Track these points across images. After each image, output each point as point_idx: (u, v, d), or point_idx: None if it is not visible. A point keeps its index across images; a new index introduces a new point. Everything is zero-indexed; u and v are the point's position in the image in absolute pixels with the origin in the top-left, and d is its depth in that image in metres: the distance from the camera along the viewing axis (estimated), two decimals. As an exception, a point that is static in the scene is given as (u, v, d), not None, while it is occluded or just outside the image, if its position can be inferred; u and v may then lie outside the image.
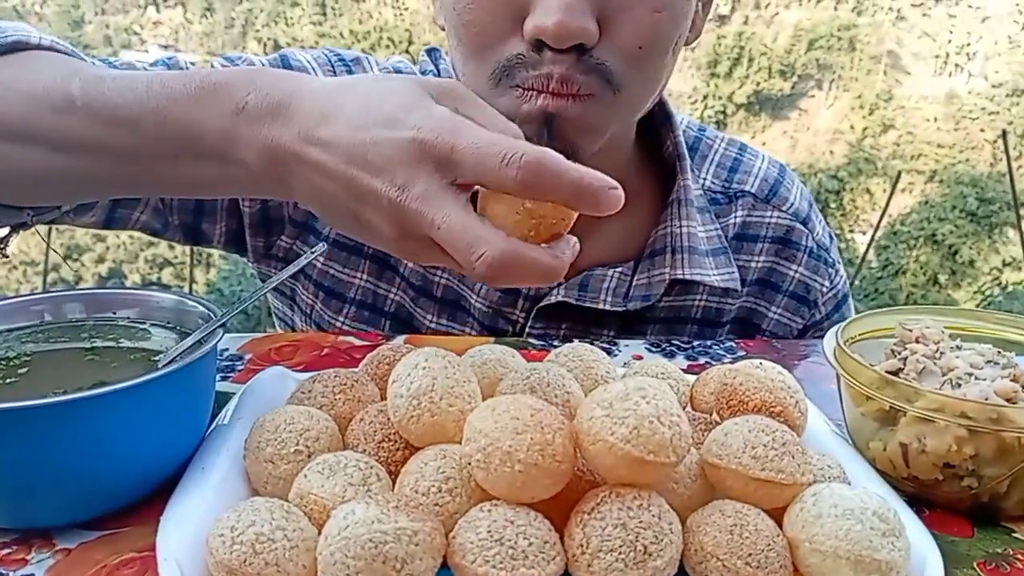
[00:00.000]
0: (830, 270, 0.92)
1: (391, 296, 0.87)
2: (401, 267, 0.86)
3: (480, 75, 0.70)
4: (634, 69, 0.70)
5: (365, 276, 0.86)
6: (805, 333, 0.93)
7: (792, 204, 0.90)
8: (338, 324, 0.88)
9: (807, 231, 0.90)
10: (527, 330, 0.85)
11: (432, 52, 0.91)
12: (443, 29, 0.77)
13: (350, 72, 0.84)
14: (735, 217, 0.89)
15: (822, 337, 0.92)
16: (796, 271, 0.90)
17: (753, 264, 0.89)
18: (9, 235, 0.67)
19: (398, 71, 0.85)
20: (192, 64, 0.81)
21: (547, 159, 0.44)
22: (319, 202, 0.51)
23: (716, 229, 0.87)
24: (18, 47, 0.62)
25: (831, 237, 0.94)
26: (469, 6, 0.68)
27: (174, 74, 0.55)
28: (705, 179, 0.89)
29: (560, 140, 0.69)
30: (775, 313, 0.91)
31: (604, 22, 0.66)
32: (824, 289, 0.92)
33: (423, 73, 0.87)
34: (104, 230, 0.82)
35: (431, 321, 0.86)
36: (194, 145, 0.53)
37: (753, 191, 0.90)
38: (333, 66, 0.84)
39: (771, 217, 0.90)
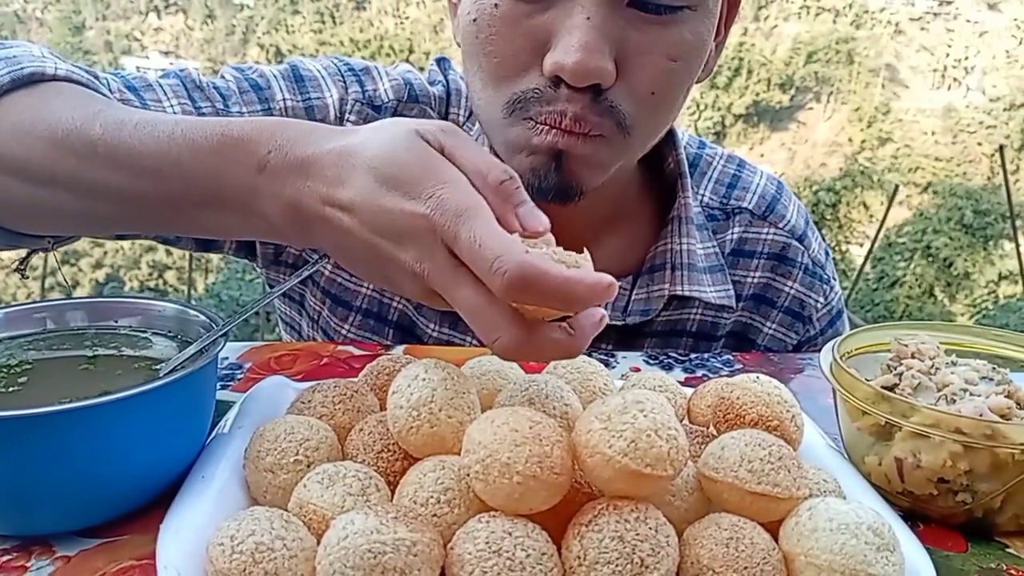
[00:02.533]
0: (825, 286, 0.93)
1: (394, 305, 0.87)
2: None
3: (496, 103, 0.71)
4: (645, 113, 0.70)
5: (371, 285, 0.87)
6: (800, 348, 0.93)
7: (788, 221, 0.91)
8: (344, 331, 0.88)
9: (803, 248, 0.91)
10: None
11: (441, 62, 0.91)
12: (460, 46, 0.77)
13: (359, 80, 0.85)
14: (732, 233, 0.90)
15: (818, 351, 0.93)
16: (791, 287, 0.91)
17: (749, 280, 0.90)
18: (28, 256, 0.69)
19: (408, 83, 0.86)
20: (199, 72, 0.82)
21: (530, 274, 0.42)
22: (344, 257, 0.52)
23: (714, 246, 0.88)
24: (35, 79, 0.63)
25: (827, 253, 0.95)
26: (491, 36, 0.69)
27: (194, 122, 0.55)
28: (704, 195, 0.90)
29: (566, 175, 0.70)
30: (770, 328, 0.92)
31: (621, 65, 0.67)
32: (819, 305, 0.92)
33: (431, 83, 0.87)
34: (118, 240, 0.83)
35: (433, 330, 0.87)
36: (216, 198, 0.54)
37: (750, 208, 0.90)
38: (343, 76, 0.85)
39: (767, 234, 0.90)
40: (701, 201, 0.90)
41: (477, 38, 0.70)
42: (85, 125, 0.57)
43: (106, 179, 0.57)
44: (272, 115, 0.79)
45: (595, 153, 0.70)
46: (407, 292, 0.50)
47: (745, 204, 0.91)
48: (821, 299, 0.92)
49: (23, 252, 0.69)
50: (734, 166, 0.93)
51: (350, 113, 0.83)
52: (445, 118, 0.86)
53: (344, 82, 0.84)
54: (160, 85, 0.77)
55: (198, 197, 0.54)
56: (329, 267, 0.87)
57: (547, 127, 0.69)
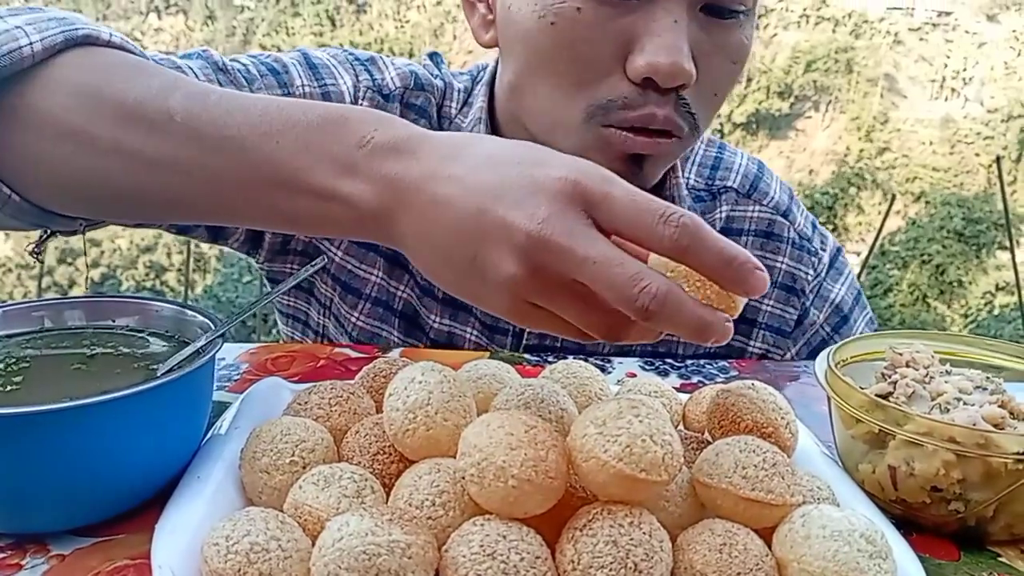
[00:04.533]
0: (813, 259, 0.94)
1: (399, 294, 0.88)
2: (410, 264, 0.87)
3: (571, 108, 0.71)
4: (708, 113, 0.74)
5: (380, 273, 0.88)
6: (801, 322, 0.94)
7: (772, 197, 0.93)
8: (354, 319, 0.89)
9: (788, 223, 0.93)
10: (527, 329, 0.86)
11: (434, 56, 0.92)
12: (488, 47, 0.78)
13: (367, 69, 0.85)
14: (720, 212, 0.92)
15: (815, 328, 0.93)
16: (782, 262, 0.92)
17: None
18: (47, 239, 0.65)
19: (413, 73, 0.86)
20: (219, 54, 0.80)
21: (703, 225, 0.43)
22: (429, 242, 0.49)
23: None
24: (89, 41, 0.59)
25: (813, 226, 0.96)
26: (574, 40, 0.69)
27: (292, 102, 0.54)
28: (689, 178, 0.92)
29: (645, 176, 0.73)
30: (768, 306, 0.93)
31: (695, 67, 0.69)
32: (809, 278, 0.94)
33: (432, 76, 0.88)
34: (136, 229, 0.82)
35: (435, 320, 0.88)
36: (300, 176, 0.51)
37: (735, 187, 0.92)
38: (352, 64, 0.85)
39: (753, 211, 0.92)
40: (687, 184, 0.91)
41: (555, 42, 0.69)
42: (162, 93, 0.55)
43: (178, 151, 0.54)
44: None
45: (671, 153, 0.73)
46: (499, 275, 0.46)
47: (730, 183, 0.92)
48: (811, 271, 0.94)
49: (38, 234, 0.65)
50: (715, 149, 0.95)
51: (363, 99, 0.84)
52: (440, 109, 0.87)
53: (354, 70, 0.85)
54: (189, 67, 0.76)
55: (278, 174, 0.52)
56: (340, 254, 0.88)
57: (631, 132, 0.70)
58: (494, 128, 0.84)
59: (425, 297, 0.88)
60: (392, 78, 0.85)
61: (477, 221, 0.46)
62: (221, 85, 0.77)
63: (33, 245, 0.65)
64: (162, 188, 0.56)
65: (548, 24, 0.69)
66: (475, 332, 0.88)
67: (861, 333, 0.94)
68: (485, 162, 0.47)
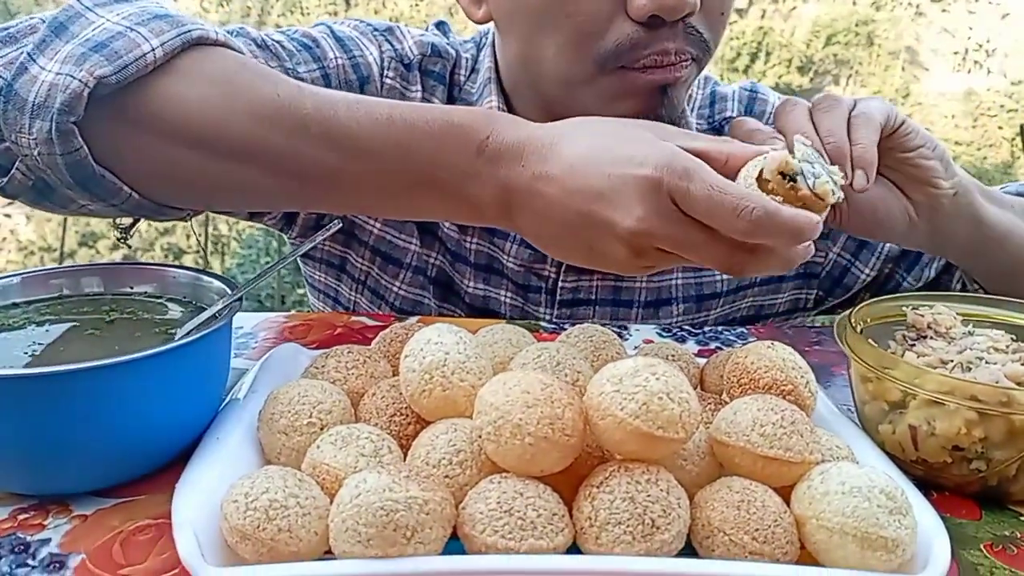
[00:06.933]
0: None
1: (432, 261, 0.89)
2: (439, 231, 0.88)
3: (580, 63, 0.71)
4: (716, 33, 0.74)
5: (417, 241, 0.88)
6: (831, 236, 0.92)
7: (773, 106, 0.92)
8: (395, 289, 0.90)
9: None
10: (560, 285, 0.87)
11: (441, 25, 0.92)
12: (482, 22, 0.78)
13: (387, 39, 0.85)
14: None
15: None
16: None
17: None
18: (136, 223, 0.66)
19: (430, 40, 0.86)
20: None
21: (773, 214, 0.49)
22: (546, 234, 0.56)
23: None
24: (202, 42, 0.59)
25: None
26: None
27: (410, 107, 0.58)
28: (692, 122, 0.91)
29: (671, 104, 0.73)
30: None
31: None
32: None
33: (434, 45, 0.88)
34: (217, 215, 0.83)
35: (468, 285, 0.89)
36: (431, 180, 0.57)
37: (734, 114, 0.92)
38: (374, 36, 0.85)
39: None
40: (694, 128, 0.91)
41: (553, 2, 0.69)
42: (294, 102, 0.57)
43: (319, 158, 0.57)
44: (327, 73, 0.80)
45: (691, 76, 0.74)
46: (612, 259, 0.54)
47: (729, 113, 0.92)
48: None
49: (127, 220, 0.66)
50: (709, 86, 0.94)
51: (388, 69, 0.84)
52: (452, 75, 0.87)
53: (376, 40, 0.85)
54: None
55: (412, 179, 0.57)
56: (378, 226, 0.88)
57: (649, 69, 0.70)
58: (503, 93, 0.84)
59: (457, 263, 0.89)
60: (410, 47, 0.86)
61: (585, 221, 0.53)
62: (266, 63, 0.76)
63: (122, 229, 0.66)
64: (298, 191, 0.60)
65: None
66: (509, 294, 0.89)
67: (886, 250, 0.92)
68: (577, 161, 0.53)
